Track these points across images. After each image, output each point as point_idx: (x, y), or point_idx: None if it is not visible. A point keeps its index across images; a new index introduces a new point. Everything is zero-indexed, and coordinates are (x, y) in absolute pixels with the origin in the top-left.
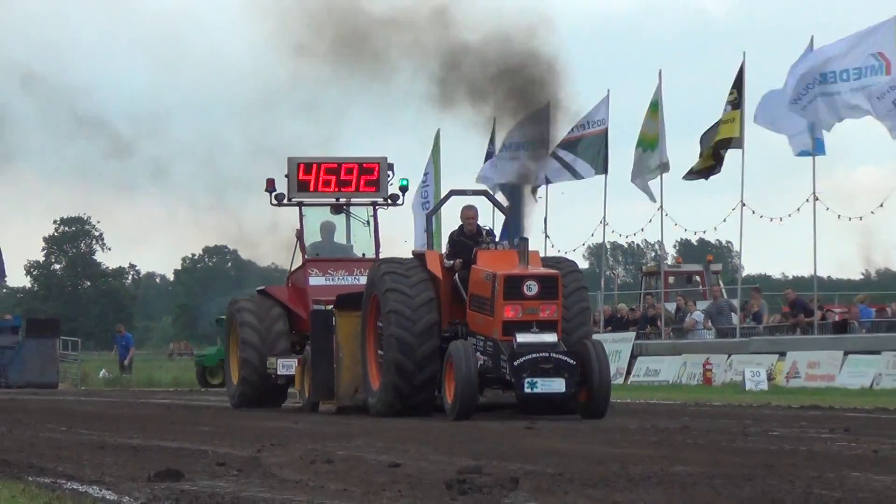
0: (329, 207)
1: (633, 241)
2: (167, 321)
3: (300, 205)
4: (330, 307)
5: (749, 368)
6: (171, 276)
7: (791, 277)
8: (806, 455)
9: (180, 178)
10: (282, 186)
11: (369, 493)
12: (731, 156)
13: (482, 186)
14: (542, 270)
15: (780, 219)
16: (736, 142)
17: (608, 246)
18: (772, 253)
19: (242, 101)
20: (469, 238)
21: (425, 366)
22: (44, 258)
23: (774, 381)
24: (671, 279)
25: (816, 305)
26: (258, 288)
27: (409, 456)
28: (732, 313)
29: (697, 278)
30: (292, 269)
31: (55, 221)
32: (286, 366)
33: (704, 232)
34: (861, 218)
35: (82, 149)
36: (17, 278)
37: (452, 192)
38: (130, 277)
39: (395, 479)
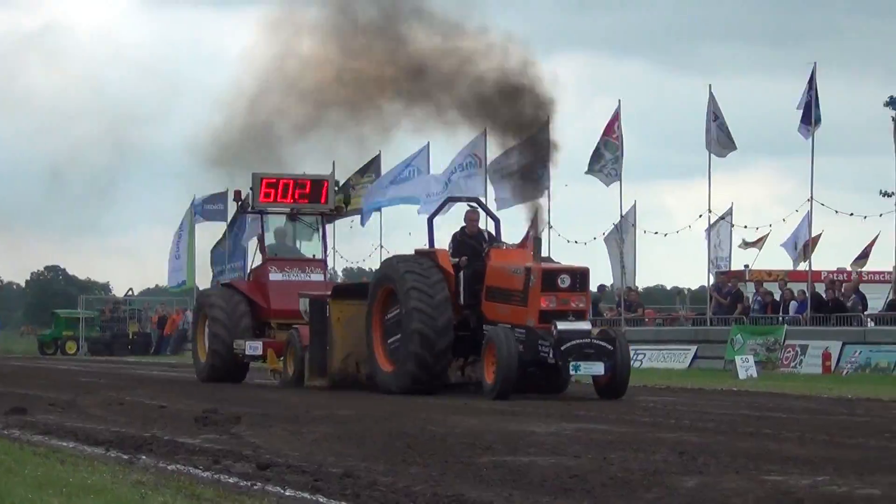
0: (284, 216)
1: None
2: (20, 312)
3: (261, 213)
4: (318, 297)
5: None
6: (23, 284)
7: None
8: (422, 404)
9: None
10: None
11: (146, 423)
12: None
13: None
14: (574, 265)
15: None
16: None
17: None
18: None
19: None
20: (471, 238)
21: (442, 357)
22: None
23: None
24: None
25: None
26: (222, 282)
27: (172, 401)
28: None
29: None
30: (253, 266)
31: None
32: (253, 347)
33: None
34: None
35: None
36: None
37: (450, 199)
38: None
39: (162, 415)
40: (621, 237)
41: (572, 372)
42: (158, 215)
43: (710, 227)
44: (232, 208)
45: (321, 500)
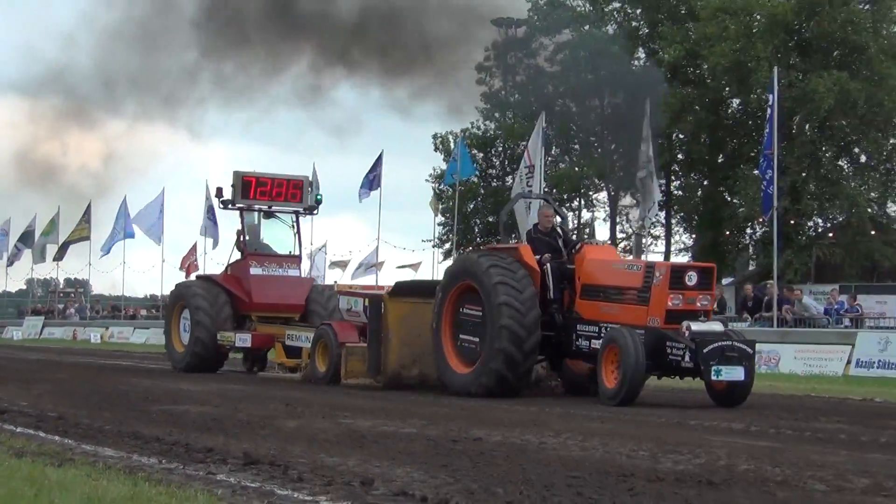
0: (262, 213)
1: None
2: None
3: (241, 209)
4: (375, 296)
5: None
6: None
7: None
8: (113, 368)
9: None
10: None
11: None
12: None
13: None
14: (701, 263)
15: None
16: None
17: None
18: None
19: None
20: (545, 234)
21: (530, 356)
22: None
23: None
24: None
25: None
26: (197, 274)
27: None
28: None
29: None
30: (231, 261)
31: None
32: (242, 339)
33: None
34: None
35: None
36: None
37: (520, 196)
38: None
39: None
40: None
41: (713, 377)
42: None
43: (312, 254)
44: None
45: (41, 434)
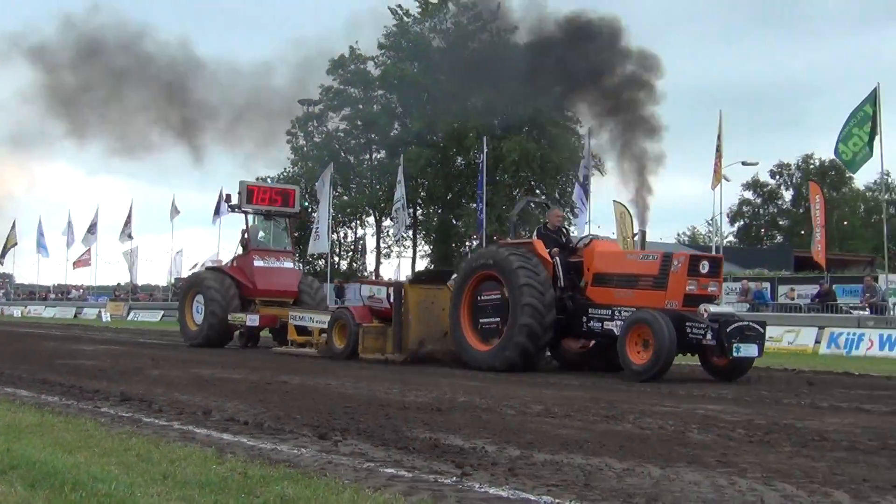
0: (262, 216)
1: None
2: None
3: (245, 213)
4: (398, 284)
5: None
6: None
7: None
8: (30, 335)
9: None
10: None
11: None
12: None
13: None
14: (712, 254)
15: None
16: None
17: None
18: None
19: None
20: (553, 232)
21: (548, 330)
22: None
23: None
24: None
25: None
26: (207, 266)
27: None
28: None
29: None
30: (237, 254)
31: None
32: (252, 319)
33: None
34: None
35: None
36: None
37: (528, 199)
38: None
39: None
40: (133, 259)
41: (734, 353)
42: None
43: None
44: None
45: None
